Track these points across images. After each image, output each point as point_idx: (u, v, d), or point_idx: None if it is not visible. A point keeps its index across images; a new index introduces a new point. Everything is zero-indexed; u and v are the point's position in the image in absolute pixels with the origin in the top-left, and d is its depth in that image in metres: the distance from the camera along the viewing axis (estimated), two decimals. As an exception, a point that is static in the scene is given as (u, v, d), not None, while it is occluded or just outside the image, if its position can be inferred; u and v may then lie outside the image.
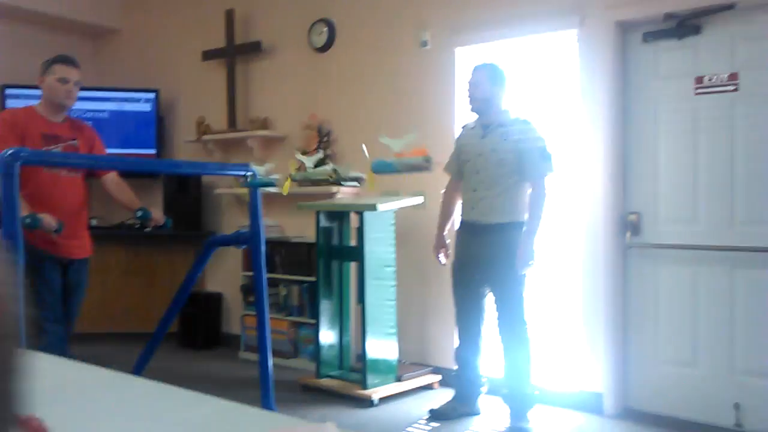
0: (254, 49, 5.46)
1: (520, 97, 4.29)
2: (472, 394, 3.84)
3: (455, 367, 3.89)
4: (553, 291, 4.16)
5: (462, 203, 3.77)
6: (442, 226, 3.93)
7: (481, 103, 3.66)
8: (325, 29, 5.12)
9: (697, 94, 3.71)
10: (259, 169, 3.34)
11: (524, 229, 3.55)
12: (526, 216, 3.59)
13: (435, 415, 3.78)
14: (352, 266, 4.49)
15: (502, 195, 3.57)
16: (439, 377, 4.37)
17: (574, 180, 4.03)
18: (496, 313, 3.64)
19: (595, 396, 3.90)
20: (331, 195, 4.75)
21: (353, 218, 4.40)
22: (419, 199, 4.30)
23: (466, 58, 4.48)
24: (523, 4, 4.18)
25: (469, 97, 3.70)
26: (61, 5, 5.93)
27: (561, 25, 4.06)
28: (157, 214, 3.51)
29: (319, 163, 4.74)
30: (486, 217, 3.59)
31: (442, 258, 3.92)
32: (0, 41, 5.84)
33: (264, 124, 5.43)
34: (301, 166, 3.22)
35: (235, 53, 5.56)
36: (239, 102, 5.60)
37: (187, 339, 5.54)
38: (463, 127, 3.89)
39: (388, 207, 4.17)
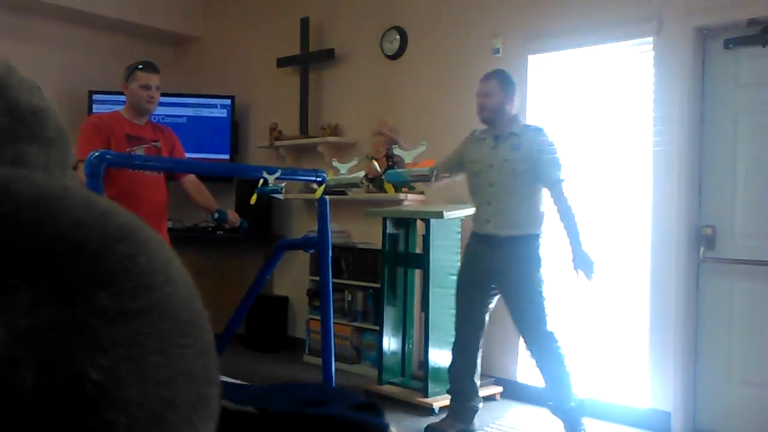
0: (328, 56, 5.55)
1: (593, 107, 4.21)
2: (467, 411, 3.69)
3: (450, 384, 3.75)
4: (621, 304, 4.04)
5: (474, 217, 3.68)
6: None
7: (493, 113, 3.56)
8: (397, 37, 5.15)
9: (780, 103, 3.55)
10: (343, 166, 3.39)
11: (567, 239, 3.43)
12: (542, 227, 3.52)
13: (430, 431, 3.68)
14: (417, 274, 4.49)
15: (518, 206, 3.48)
16: (500, 389, 4.31)
17: (647, 191, 3.91)
18: (520, 329, 3.54)
19: (663, 415, 3.76)
20: (399, 202, 4.77)
21: (420, 226, 4.40)
22: (486, 208, 4.26)
23: (540, 66, 4.43)
24: (598, 11, 4.10)
25: (480, 106, 3.60)
26: (146, 14, 6.18)
27: (638, 33, 3.96)
28: (233, 216, 3.65)
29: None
30: (502, 231, 3.49)
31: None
32: (87, 49, 6.13)
33: (335, 130, 5.50)
34: (336, 173, 3.28)
35: (309, 60, 5.66)
36: (311, 108, 5.69)
37: (254, 341, 5.65)
38: (471, 134, 3.77)
39: (454, 215, 4.16)
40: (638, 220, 3.97)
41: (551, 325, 3.46)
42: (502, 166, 3.50)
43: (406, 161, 2.91)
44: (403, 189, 4.72)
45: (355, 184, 3.42)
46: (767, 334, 3.55)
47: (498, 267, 3.50)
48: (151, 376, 0.25)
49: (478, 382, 3.71)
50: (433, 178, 3.01)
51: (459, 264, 4.23)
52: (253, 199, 3.38)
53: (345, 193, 4.86)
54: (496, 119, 3.57)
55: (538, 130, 3.56)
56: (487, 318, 3.64)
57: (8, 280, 0.23)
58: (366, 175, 3.83)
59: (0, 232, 0.24)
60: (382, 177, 3.04)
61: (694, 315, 3.78)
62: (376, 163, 4.11)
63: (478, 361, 3.68)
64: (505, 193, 3.49)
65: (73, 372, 0.23)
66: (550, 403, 3.55)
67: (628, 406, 3.90)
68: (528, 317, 3.48)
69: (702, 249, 3.76)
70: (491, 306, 3.63)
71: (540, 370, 3.52)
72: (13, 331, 0.22)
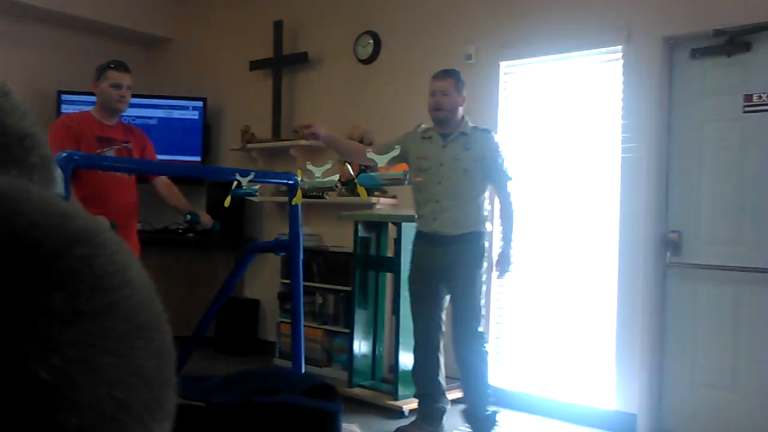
0: (301, 59, 5.55)
1: (563, 113, 4.26)
2: (435, 412, 3.68)
3: (415, 387, 3.78)
4: (587, 307, 4.10)
5: (420, 215, 3.68)
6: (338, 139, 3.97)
7: (449, 112, 3.55)
8: (371, 41, 5.17)
9: (745, 112, 3.63)
10: (317, 170, 3.36)
11: (502, 235, 3.64)
12: (487, 226, 3.61)
13: None
14: (389, 277, 4.50)
15: (467, 205, 3.52)
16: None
17: (615, 197, 3.98)
18: (454, 325, 3.60)
19: (630, 417, 3.82)
20: (371, 206, 4.78)
21: (391, 229, 4.42)
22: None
23: (511, 72, 4.47)
24: (569, 20, 4.16)
25: (435, 105, 3.56)
26: (117, 15, 6.12)
27: (607, 41, 4.02)
28: (206, 218, 3.62)
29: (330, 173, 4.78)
30: (449, 229, 3.52)
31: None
32: (56, 48, 6.05)
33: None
34: (309, 174, 3.28)
35: (282, 64, 5.65)
36: (284, 111, 5.68)
37: (224, 344, 5.61)
38: (414, 130, 3.79)
39: (425, 219, 4.17)
40: (606, 226, 4.03)
41: (482, 325, 3.57)
42: (452, 165, 3.51)
43: (379, 165, 2.92)
44: (376, 192, 4.74)
45: (330, 188, 3.42)
46: (730, 338, 3.63)
47: (444, 264, 3.54)
48: (104, 377, 0.25)
49: (443, 383, 3.73)
50: (406, 181, 3.02)
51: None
52: (227, 202, 3.36)
53: (322, 197, 4.85)
54: (449, 119, 3.57)
55: (488, 132, 3.63)
56: (443, 316, 3.66)
57: None
58: (340, 179, 3.83)
59: None
60: (355, 180, 3.05)
61: (660, 318, 3.85)
62: (349, 167, 4.11)
63: (441, 361, 3.69)
64: (454, 192, 3.52)
65: (22, 372, 0.23)
66: (465, 407, 3.62)
67: (594, 407, 3.95)
68: (464, 315, 3.54)
69: (668, 254, 3.83)
70: (445, 305, 3.66)
71: (462, 370, 3.60)
72: None
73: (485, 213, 3.60)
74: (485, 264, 3.59)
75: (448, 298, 3.65)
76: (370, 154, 3.03)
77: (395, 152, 2.92)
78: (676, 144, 3.86)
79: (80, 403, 0.24)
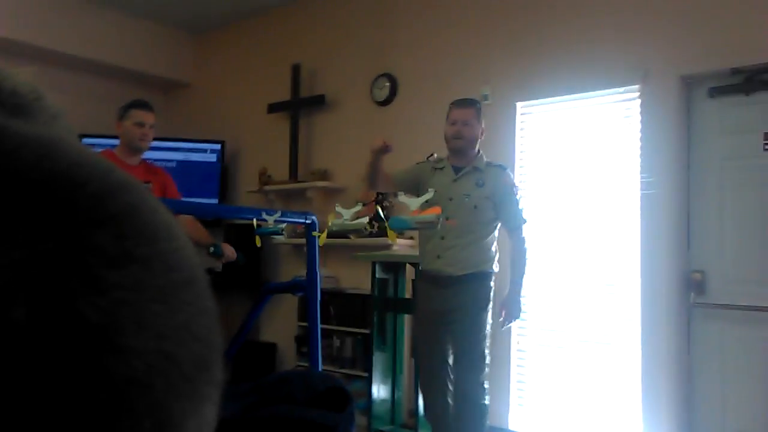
0: (318, 102, 5.60)
1: (581, 153, 4.25)
2: None
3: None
4: (610, 351, 4.01)
5: (422, 252, 3.49)
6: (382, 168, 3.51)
7: (468, 143, 3.38)
8: (388, 84, 5.21)
9: (765, 150, 3.60)
10: (346, 212, 3.29)
11: (512, 278, 3.37)
12: (494, 266, 3.37)
13: None
14: (407, 319, 4.44)
15: (473, 244, 3.31)
16: (492, 437, 4.23)
17: (635, 236, 3.93)
18: (455, 371, 3.34)
19: (658, 464, 3.70)
20: (388, 247, 4.75)
21: (409, 270, 4.38)
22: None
23: (528, 112, 4.48)
24: (586, 60, 4.17)
25: (455, 134, 3.38)
26: (136, 59, 6.23)
27: (624, 81, 4.02)
28: (229, 250, 3.62)
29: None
30: (453, 268, 3.30)
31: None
32: (78, 93, 6.15)
33: (324, 175, 5.51)
34: (339, 215, 3.22)
35: (300, 106, 5.71)
36: (301, 153, 5.71)
37: (241, 387, 5.54)
38: (427, 160, 3.64)
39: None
40: (627, 266, 3.97)
41: (485, 376, 3.31)
42: (462, 201, 3.32)
43: (411, 208, 2.84)
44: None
45: (359, 230, 3.36)
46: (760, 381, 3.53)
47: (450, 307, 3.31)
48: (152, 326, 0.23)
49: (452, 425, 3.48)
50: (438, 225, 2.88)
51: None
52: (258, 242, 3.34)
53: (347, 237, 4.84)
54: (467, 151, 3.40)
55: (503, 169, 3.44)
56: (450, 361, 3.40)
57: (5, 210, 0.22)
58: (370, 221, 3.74)
59: (0, 163, 0.23)
60: (386, 224, 2.93)
61: (686, 361, 3.76)
62: (379, 209, 4.01)
63: (450, 402, 3.42)
64: (463, 230, 3.30)
65: (67, 310, 0.21)
66: None
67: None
68: (465, 364, 3.31)
69: (692, 294, 3.76)
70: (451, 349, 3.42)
71: (456, 422, 3.34)
72: (6, 263, 0.21)
73: (493, 252, 3.39)
74: (491, 307, 3.36)
75: None
76: (402, 198, 2.90)
77: (429, 195, 2.75)
78: (696, 182, 3.83)
79: (128, 349, 0.22)
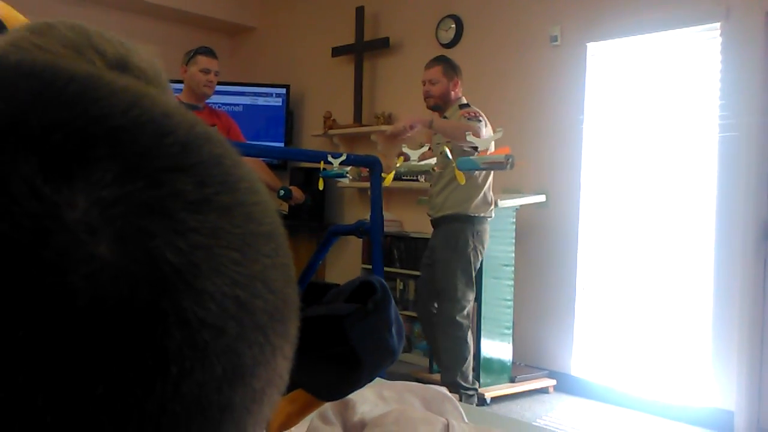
0: (382, 45, 5.53)
1: (655, 95, 4.08)
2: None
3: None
4: (681, 299, 3.92)
5: None
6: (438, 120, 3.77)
7: (438, 99, 3.65)
8: (453, 25, 5.10)
9: None
10: (414, 152, 3.35)
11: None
12: (470, 209, 3.59)
13: None
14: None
15: (446, 188, 3.60)
16: (554, 381, 4.23)
17: (711, 181, 3.78)
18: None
19: (726, 414, 3.63)
20: (452, 191, 4.72)
21: (473, 215, 4.34)
22: (541, 198, 4.19)
23: (599, 54, 4.31)
24: (661, -4, 3.97)
25: (425, 95, 3.70)
26: (203, 4, 6.26)
27: (704, 18, 3.82)
28: (298, 193, 3.77)
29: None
30: (432, 211, 3.68)
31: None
32: (144, 38, 6.23)
33: (388, 119, 5.48)
34: (407, 158, 3.28)
35: (364, 49, 5.65)
36: (365, 97, 5.68)
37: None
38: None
39: (509, 204, 4.09)
40: (702, 213, 3.84)
41: (460, 313, 3.61)
42: (437, 149, 3.57)
43: (480, 148, 2.85)
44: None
45: (426, 171, 3.45)
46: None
47: (429, 246, 3.73)
48: (228, 272, 0.24)
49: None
50: (508, 166, 2.88)
51: (513, 254, 4.17)
52: (321, 184, 3.39)
53: (416, 180, 4.87)
54: (440, 106, 3.65)
55: (460, 106, 3.64)
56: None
57: (94, 152, 0.23)
58: (436, 162, 3.85)
59: (91, 108, 0.24)
60: (453, 165, 2.99)
61: (760, 312, 3.64)
62: (447, 150, 4.01)
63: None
64: (439, 175, 3.64)
65: (148, 249, 0.22)
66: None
67: (690, 406, 3.78)
68: (440, 299, 3.68)
69: (770, 243, 3.61)
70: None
71: (437, 348, 3.79)
72: (93, 201, 0.22)
73: (469, 196, 3.59)
74: (469, 249, 3.61)
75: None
76: (470, 137, 2.97)
77: (499, 134, 2.77)
78: (780, 126, 3.63)
79: (204, 292, 0.23)
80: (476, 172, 3.55)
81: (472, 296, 3.70)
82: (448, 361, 3.70)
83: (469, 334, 3.72)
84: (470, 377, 3.72)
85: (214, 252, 0.24)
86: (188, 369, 0.22)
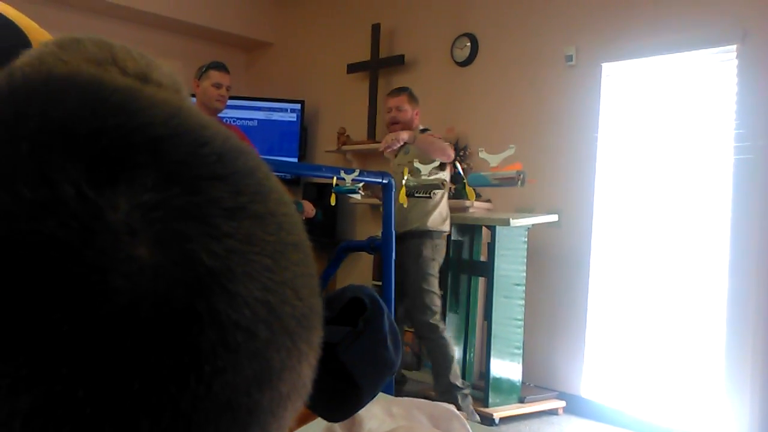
0: (397, 62, 5.55)
1: (669, 117, 4.07)
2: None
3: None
4: (694, 319, 3.88)
5: None
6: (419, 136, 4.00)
7: (404, 125, 3.87)
8: (468, 44, 5.11)
9: None
10: (425, 167, 3.60)
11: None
12: (428, 224, 3.82)
13: None
14: (481, 282, 4.42)
15: (409, 206, 3.69)
16: (563, 403, 4.19)
17: (724, 201, 3.75)
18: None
19: (739, 440, 3.58)
20: (464, 209, 4.71)
21: (485, 233, 4.34)
22: (553, 217, 4.17)
23: (614, 74, 4.31)
24: (677, 17, 3.97)
25: (392, 120, 3.92)
26: (219, 19, 6.32)
27: (720, 40, 3.81)
28: (309, 207, 3.76)
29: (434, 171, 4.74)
30: (397, 227, 3.74)
31: None
32: (160, 52, 6.30)
33: (402, 136, 5.48)
34: (416, 173, 3.32)
35: (379, 66, 5.68)
36: (380, 114, 5.70)
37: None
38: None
39: (521, 223, 4.08)
40: (716, 236, 3.81)
41: (434, 318, 3.80)
42: (396, 171, 3.75)
43: (491, 165, 2.84)
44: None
45: (436, 186, 3.67)
46: None
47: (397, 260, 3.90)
48: (260, 277, 0.25)
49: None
50: (519, 182, 2.89)
51: (524, 274, 4.15)
52: (333, 200, 3.41)
53: (429, 196, 4.87)
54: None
55: (423, 130, 3.90)
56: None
57: (136, 159, 0.24)
58: (451, 179, 4.03)
59: (133, 118, 0.25)
60: (464, 181, 3.06)
61: (774, 336, 3.59)
62: (458, 166, 4.06)
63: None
64: (399, 194, 3.84)
65: (185, 251, 0.23)
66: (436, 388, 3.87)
67: None
68: (412, 307, 3.87)
69: (785, 266, 3.58)
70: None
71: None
72: (134, 204, 0.23)
73: (427, 212, 3.82)
74: (431, 261, 3.83)
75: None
76: (482, 154, 2.97)
77: (511, 151, 2.82)
78: (796, 149, 3.61)
79: (237, 295, 0.24)
80: (435, 191, 3.82)
81: (439, 301, 3.90)
82: (438, 366, 3.84)
83: (448, 334, 3.94)
84: (459, 376, 3.88)
85: (247, 257, 0.25)
86: (221, 369, 0.23)
